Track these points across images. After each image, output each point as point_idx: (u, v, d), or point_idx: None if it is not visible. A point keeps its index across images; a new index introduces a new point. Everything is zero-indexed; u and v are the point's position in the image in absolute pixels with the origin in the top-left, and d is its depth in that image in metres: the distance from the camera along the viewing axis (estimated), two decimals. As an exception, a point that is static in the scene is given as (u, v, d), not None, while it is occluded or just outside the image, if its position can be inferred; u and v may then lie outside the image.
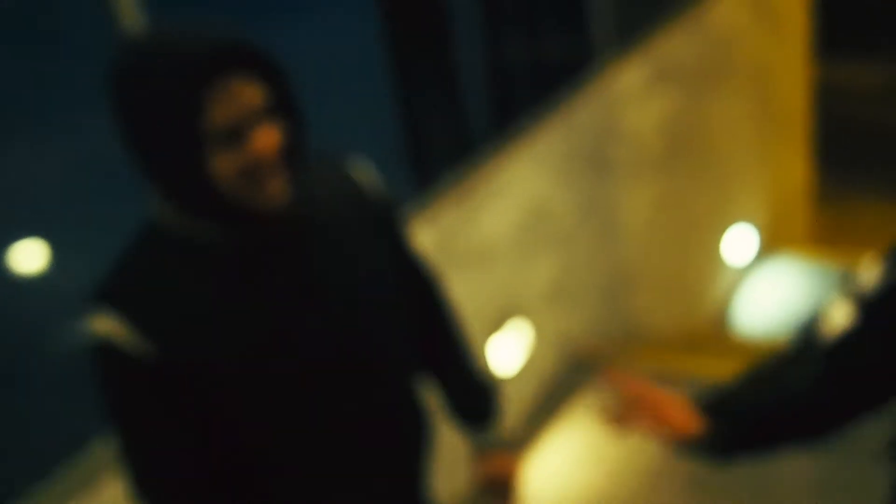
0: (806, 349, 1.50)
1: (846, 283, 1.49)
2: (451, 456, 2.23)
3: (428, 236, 3.06)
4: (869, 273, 1.43)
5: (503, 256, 3.49)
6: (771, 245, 6.99)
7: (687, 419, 1.48)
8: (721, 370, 4.36)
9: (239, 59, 1.22)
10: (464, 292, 3.26)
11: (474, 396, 1.77)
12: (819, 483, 3.33)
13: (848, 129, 10.66)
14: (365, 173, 1.53)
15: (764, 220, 6.75)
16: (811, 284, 6.58)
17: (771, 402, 1.50)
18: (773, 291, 6.47)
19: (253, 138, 1.23)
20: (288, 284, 1.37)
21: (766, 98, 6.42)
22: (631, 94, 4.36)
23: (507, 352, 3.57)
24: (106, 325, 1.29)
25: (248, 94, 1.22)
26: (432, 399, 1.75)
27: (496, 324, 3.49)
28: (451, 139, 3.35)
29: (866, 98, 11.77)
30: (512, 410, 3.71)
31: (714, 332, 5.96)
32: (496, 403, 1.80)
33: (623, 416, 1.47)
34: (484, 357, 3.44)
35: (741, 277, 6.45)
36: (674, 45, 4.76)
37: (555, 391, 3.98)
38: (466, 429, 1.79)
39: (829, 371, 1.46)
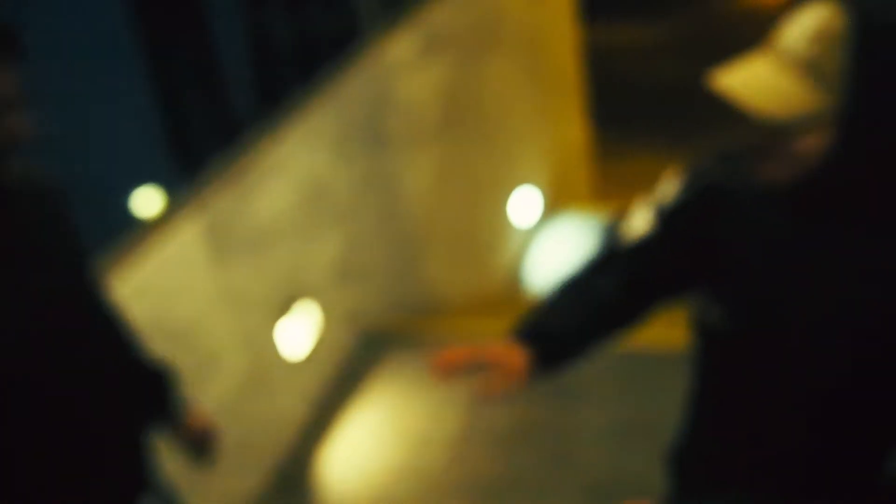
0: (610, 255, 1.61)
1: (651, 196, 1.60)
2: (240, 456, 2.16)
3: (201, 223, 2.93)
4: (668, 186, 1.54)
5: (284, 237, 3.40)
6: (556, 204, 7.20)
7: (513, 359, 1.52)
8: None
9: (7, 45, 1.29)
10: (246, 277, 3.17)
11: (149, 385, 1.83)
12: (616, 433, 3.44)
13: (620, 87, 11.15)
14: (43, 176, 1.56)
15: (547, 180, 6.94)
16: (596, 238, 6.82)
17: (584, 312, 1.58)
18: (560, 249, 6.67)
19: (10, 120, 1.30)
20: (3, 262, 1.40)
21: (538, 62, 6.58)
22: (403, 65, 4.35)
23: (298, 335, 3.50)
24: None
25: (9, 78, 1.29)
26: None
27: (283, 307, 3.40)
28: (216, 121, 3.21)
29: (635, 56, 12.35)
30: (307, 393, 3.65)
31: (507, 294, 6.09)
32: (172, 387, 1.86)
33: (451, 370, 1.49)
34: (273, 341, 3.36)
35: (529, 238, 6.62)
36: (442, 13, 4.78)
37: (351, 369, 3.95)
38: (149, 417, 1.85)
39: (629, 272, 1.58)
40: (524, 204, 6.35)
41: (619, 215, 1.63)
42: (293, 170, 3.45)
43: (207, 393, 2.97)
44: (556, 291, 1.64)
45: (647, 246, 1.57)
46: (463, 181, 5.21)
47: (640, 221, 1.59)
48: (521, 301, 6.01)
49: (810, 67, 1.17)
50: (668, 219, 1.54)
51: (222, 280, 3.05)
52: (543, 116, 6.77)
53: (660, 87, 11.18)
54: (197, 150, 2.87)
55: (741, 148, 1.46)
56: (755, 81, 1.18)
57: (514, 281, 6.29)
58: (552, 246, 6.72)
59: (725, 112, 1.42)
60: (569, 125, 7.66)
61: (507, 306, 5.65)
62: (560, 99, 7.28)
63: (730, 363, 1.50)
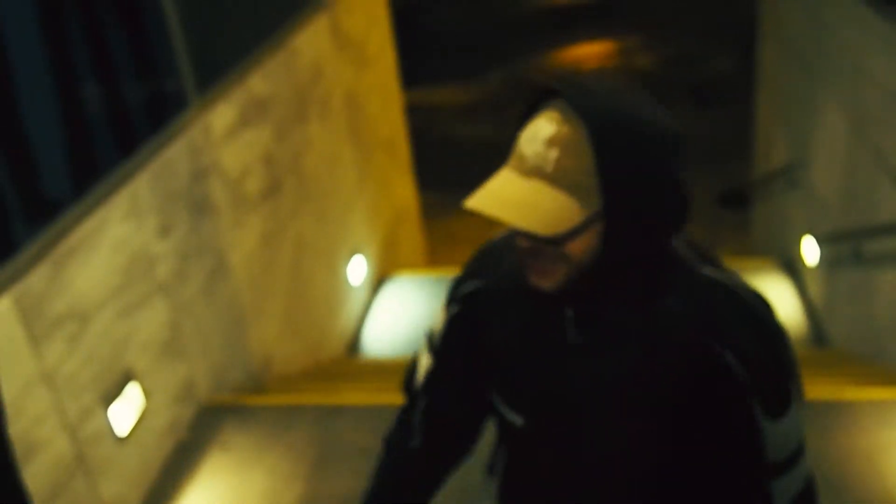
0: (408, 408, 1.67)
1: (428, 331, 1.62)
2: None
3: (12, 300, 2.79)
4: (438, 315, 1.58)
5: (106, 313, 3.28)
6: (388, 267, 7.25)
7: None
8: (353, 396, 4.44)
9: None
10: (65, 355, 3.02)
11: None
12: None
13: (440, 147, 11.42)
14: None
15: (376, 243, 6.99)
16: (430, 299, 6.91)
17: (407, 483, 1.67)
18: (395, 311, 6.71)
19: None
20: None
21: (361, 126, 6.66)
22: (225, 134, 4.31)
23: (124, 414, 3.36)
24: None
25: None
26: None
27: (105, 385, 3.27)
28: (26, 195, 3.09)
29: (451, 116, 12.69)
30: (137, 476, 3.50)
31: (344, 359, 6.06)
32: None
33: None
34: (97, 422, 3.21)
35: (364, 302, 6.63)
36: (262, 81, 4.78)
37: (184, 447, 3.82)
38: None
39: (425, 421, 1.62)
40: (357, 268, 6.37)
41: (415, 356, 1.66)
42: (114, 243, 3.34)
43: (25, 481, 2.80)
44: (378, 470, 1.71)
45: (430, 385, 1.60)
46: (293, 248, 5.19)
47: (424, 361, 1.60)
48: (359, 366, 6.00)
49: (560, 180, 1.18)
50: (441, 345, 1.56)
51: (39, 359, 2.90)
52: (370, 179, 6.83)
53: (474, 144, 11.49)
54: (6, 224, 2.74)
55: (505, 242, 1.47)
56: (514, 202, 1.19)
57: (351, 346, 6.27)
58: (387, 309, 6.75)
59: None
60: (397, 188, 7.76)
61: (345, 372, 5.63)
62: (387, 162, 7.38)
63: (532, 454, 1.51)
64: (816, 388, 4.14)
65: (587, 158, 1.17)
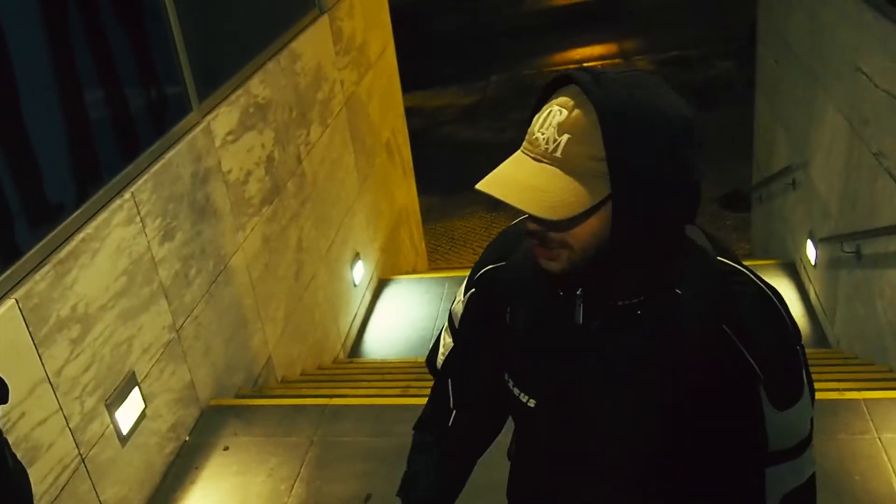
0: (436, 391, 1.72)
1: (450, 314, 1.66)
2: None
3: (13, 305, 2.80)
4: (458, 302, 1.62)
5: (109, 316, 3.29)
6: (389, 270, 7.26)
7: None
8: (355, 398, 4.44)
9: None
10: (69, 358, 3.03)
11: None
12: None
13: (441, 150, 11.43)
14: None
15: (380, 246, 7.00)
16: (430, 302, 6.91)
17: (442, 464, 1.70)
18: (395, 314, 6.71)
19: None
20: None
21: (361, 129, 6.67)
22: (226, 138, 4.33)
23: (128, 416, 3.37)
24: None
25: None
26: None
27: (112, 388, 3.28)
28: (30, 199, 3.10)
29: (452, 119, 12.71)
30: (139, 479, 3.51)
31: (346, 361, 6.07)
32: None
33: None
34: (101, 425, 3.22)
35: (365, 305, 6.63)
36: (263, 84, 4.80)
37: (188, 446, 3.83)
38: None
39: (453, 396, 1.66)
40: (359, 271, 6.38)
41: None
42: (118, 245, 3.35)
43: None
44: (417, 453, 1.74)
45: (452, 364, 1.64)
46: (292, 250, 5.19)
47: (446, 340, 1.66)
48: (360, 367, 6.01)
49: (569, 165, 1.18)
50: (461, 326, 1.61)
51: (42, 362, 2.92)
52: (370, 182, 6.84)
53: (476, 145, 11.50)
54: (10, 228, 2.75)
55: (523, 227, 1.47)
56: (522, 185, 1.20)
57: (352, 348, 6.28)
58: (388, 310, 6.75)
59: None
60: (397, 189, 7.77)
61: (346, 373, 5.63)
62: (388, 164, 7.39)
63: (542, 437, 1.53)
64: (819, 389, 4.15)
65: (597, 145, 1.16)
